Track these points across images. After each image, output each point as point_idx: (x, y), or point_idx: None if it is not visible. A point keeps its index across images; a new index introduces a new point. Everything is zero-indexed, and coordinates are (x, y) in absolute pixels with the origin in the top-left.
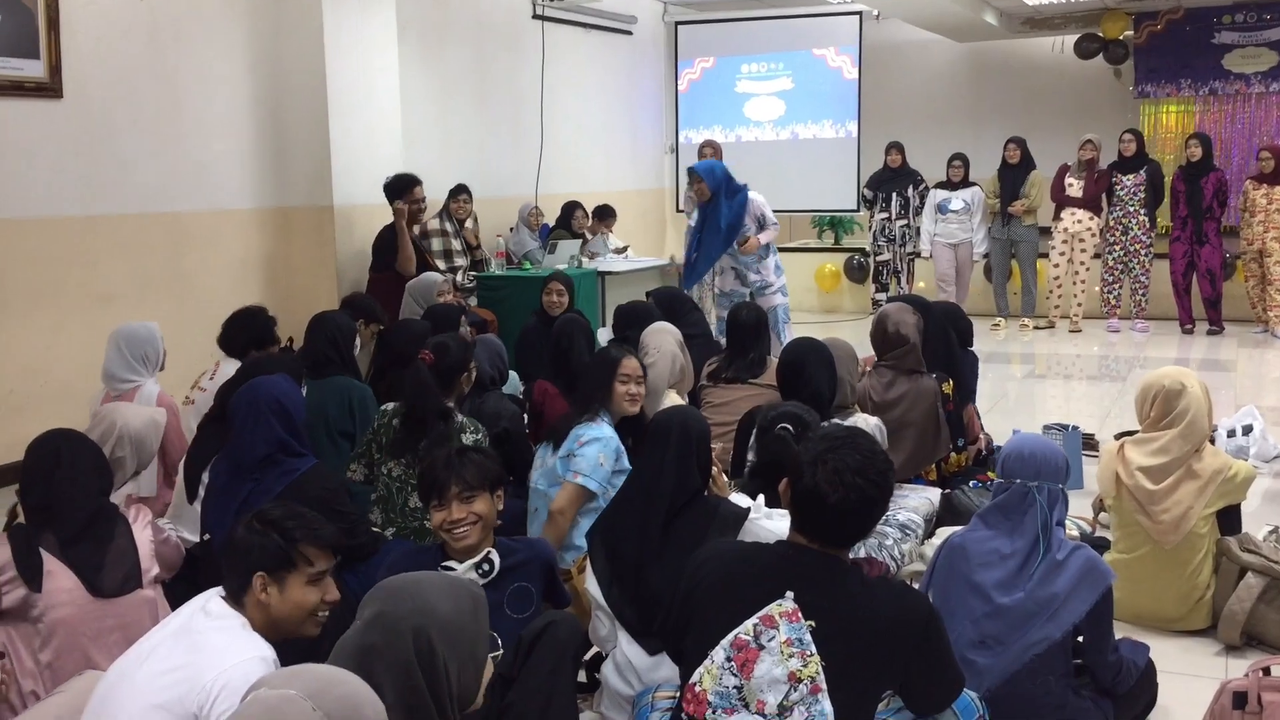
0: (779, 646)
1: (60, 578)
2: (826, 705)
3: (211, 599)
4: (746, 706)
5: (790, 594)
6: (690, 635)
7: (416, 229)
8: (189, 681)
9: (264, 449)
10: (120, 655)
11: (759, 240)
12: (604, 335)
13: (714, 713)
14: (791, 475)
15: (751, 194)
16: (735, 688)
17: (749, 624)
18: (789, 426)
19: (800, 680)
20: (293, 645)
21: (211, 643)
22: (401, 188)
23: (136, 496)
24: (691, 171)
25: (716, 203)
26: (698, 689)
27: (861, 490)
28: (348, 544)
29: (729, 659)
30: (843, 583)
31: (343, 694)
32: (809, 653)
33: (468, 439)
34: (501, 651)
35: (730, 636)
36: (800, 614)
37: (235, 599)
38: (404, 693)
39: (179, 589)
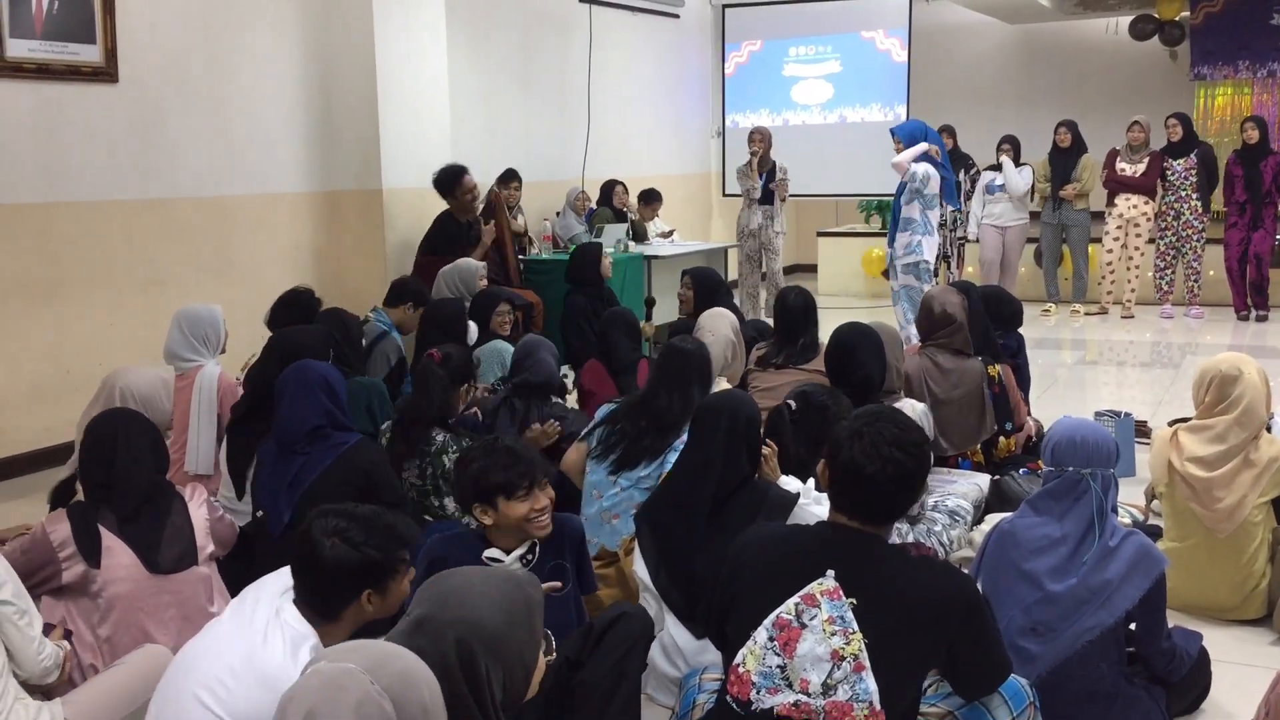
0: (821, 625)
1: (118, 554)
2: (870, 683)
3: (286, 604)
4: (790, 685)
5: (831, 572)
6: (733, 618)
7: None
8: (248, 699)
9: (314, 420)
10: (176, 631)
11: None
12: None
13: (758, 693)
14: (828, 452)
15: (916, 166)
16: (779, 667)
17: (790, 603)
18: (791, 403)
19: (843, 658)
20: None
21: (282, 663)
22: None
23: (193, 475)
24: (891, 132)
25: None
26: (741, 670)
27: (900, 462)
28: None
29: (771, 639)
30: (883, 560)
31: (400, 669)
32: (851, 630)
33: (449, 461)
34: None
35: (772, 616)
36: (841, 592)
37: (325, 613)
38: (445, 699)
39: (233, 566)
